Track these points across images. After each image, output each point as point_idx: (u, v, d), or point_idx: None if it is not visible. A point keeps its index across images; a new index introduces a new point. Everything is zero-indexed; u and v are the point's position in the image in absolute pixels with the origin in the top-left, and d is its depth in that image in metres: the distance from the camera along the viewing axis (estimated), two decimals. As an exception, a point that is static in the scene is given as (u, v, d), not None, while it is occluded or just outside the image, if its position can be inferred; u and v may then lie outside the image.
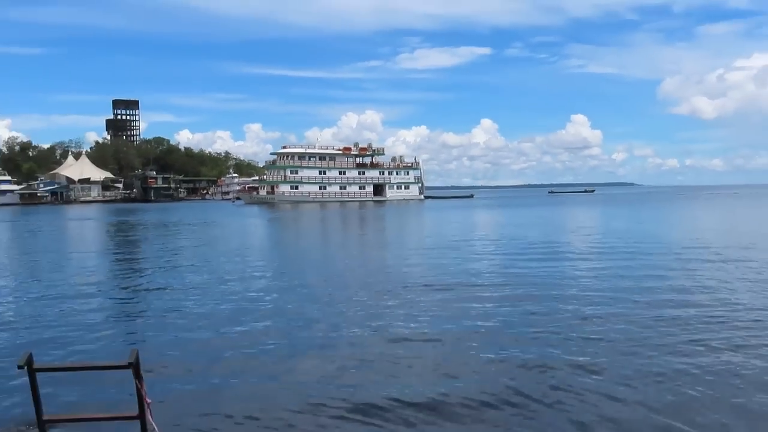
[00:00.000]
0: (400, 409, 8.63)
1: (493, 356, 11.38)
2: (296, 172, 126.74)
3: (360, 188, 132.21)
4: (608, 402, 8.79)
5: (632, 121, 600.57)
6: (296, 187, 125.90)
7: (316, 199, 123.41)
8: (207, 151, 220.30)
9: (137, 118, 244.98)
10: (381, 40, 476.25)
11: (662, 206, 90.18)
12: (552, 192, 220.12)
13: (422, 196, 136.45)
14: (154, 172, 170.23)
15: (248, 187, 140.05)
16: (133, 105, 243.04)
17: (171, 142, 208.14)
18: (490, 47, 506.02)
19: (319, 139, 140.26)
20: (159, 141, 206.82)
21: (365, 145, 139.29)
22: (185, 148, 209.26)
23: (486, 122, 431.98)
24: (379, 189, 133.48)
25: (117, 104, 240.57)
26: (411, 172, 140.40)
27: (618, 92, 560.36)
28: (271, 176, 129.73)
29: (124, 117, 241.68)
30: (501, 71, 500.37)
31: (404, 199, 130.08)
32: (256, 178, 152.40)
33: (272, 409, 8.62)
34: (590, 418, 8.22)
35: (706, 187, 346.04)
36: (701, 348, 11.36)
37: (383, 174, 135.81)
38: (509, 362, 10.99)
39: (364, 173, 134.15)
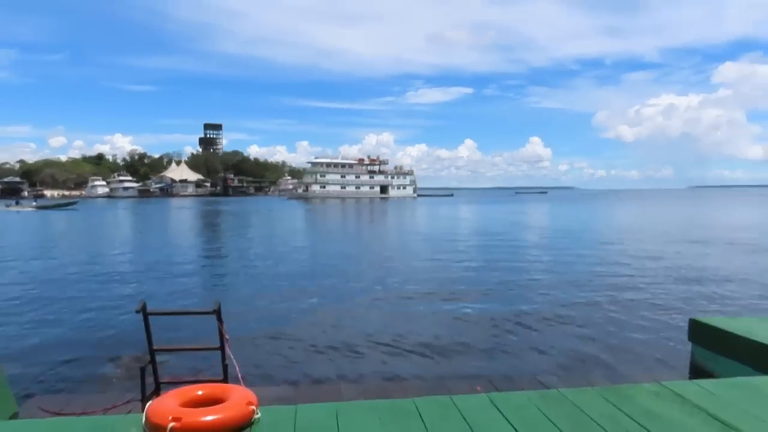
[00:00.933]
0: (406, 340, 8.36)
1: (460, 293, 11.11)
2: (324, 176, 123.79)
3: (370, 188, 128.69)
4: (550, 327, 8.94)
5: (573, 142, 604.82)
6: (324, 187, 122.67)
7: (338, 196, 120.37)
8: (269, 161, 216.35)
9: (221, 137, 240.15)
10: (394, 82, 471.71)
11: (596, 203, 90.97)
12: (517, 192, 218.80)
13: (415, 195, 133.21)
14: (232, 175, 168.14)
15: (290, 187, 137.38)
16: (218, 127, 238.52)
17: (244, 154, 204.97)
18: (472, 88, 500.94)
19: (341, 153, 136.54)
20: (236, 153, 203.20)
21: (375, 158, 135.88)
22: (254, 158, 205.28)
23: (468, 141, 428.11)
24: (384, 189, 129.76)
25: (207, 126, 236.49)
26: (407, 177, 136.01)
27: (564, 121, 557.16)
28: (307, 179, 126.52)
29: (211, 135, 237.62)
30: (480, 105, 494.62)
31: (402, 197, 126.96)
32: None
33: (317, 345, 8.23)
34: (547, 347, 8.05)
35: (625, 191, 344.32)
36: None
37: (387, 178, 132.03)
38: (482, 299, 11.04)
39: (373, 177, 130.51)
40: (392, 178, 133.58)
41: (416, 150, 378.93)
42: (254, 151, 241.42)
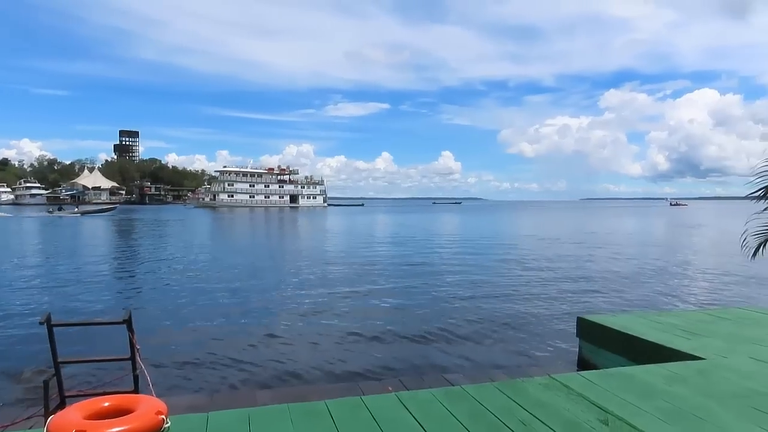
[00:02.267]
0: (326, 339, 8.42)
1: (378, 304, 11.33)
2: (232, 185, 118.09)
3: (280, 198, 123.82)
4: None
5: (481, 156, 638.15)
6: (232, 196, 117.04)
7: (246, 205, 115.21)
8: (188, 169, 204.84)
9: (137, 144, 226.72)
10: (314, 95, 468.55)
11: (503, 213, 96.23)
12: (435, 203, 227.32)
13: (326, 204, 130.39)
14: (149, 183, 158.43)
15: (197, 195, 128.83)
16: (134, 134, 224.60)
17: (162, 162, 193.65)
18: (388, 103, 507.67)
19: (251, 162, 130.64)
20: (153, 161, 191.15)
21: (285, 167, 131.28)
22: (172, 166, 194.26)
23: (385, 154, 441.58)
24: (294, 198, 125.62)
25: (122, 133, 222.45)
26: (318, 186, 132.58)
27: (473, 137, 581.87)
28: (214, 187, 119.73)
29: (127, 143, 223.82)
30: (396, 120, 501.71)
31: (312, 206, 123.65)
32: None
33: (231, 353, 7.88)
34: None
35: (528, 202, 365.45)
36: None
37: (297, 188, 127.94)
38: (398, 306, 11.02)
39: (283, 187, 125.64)
40: (302, 187, 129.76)
41: (336, 161, 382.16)
42: (173, 159, 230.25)
